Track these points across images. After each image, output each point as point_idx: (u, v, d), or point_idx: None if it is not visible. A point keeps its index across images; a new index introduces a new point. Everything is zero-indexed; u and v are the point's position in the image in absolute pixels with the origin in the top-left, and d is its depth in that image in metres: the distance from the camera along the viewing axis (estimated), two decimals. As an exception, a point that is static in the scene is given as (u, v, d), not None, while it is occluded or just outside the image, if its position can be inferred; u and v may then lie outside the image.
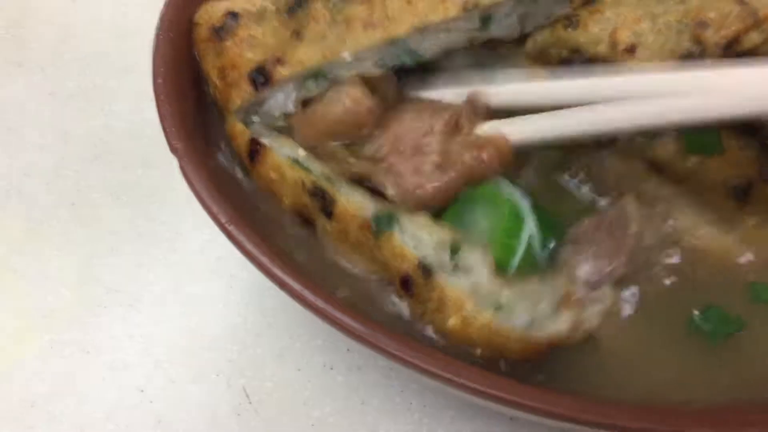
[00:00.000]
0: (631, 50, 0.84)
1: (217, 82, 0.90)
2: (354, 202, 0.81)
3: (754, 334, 0.82)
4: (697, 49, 0.81)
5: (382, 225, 0.78)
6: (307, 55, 0.87)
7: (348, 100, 0.87)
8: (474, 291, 0.75)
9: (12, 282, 1.04)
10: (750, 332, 0.82)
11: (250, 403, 0.94)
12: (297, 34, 0.89)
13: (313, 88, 0.90)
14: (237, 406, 0.94)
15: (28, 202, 1.11)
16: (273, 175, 0.85)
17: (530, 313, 0.74)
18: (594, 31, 0.87)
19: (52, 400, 0.94)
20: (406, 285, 0.76)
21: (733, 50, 0.81)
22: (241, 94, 0.87)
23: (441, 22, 0.88)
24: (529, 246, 0.84)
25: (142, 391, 0.95)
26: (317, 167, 0.85)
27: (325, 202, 0.81)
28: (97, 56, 1.29)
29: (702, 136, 0.83)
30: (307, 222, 0.85)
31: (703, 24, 0.81)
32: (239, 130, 0.87)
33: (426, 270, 0.75)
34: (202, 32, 0.91)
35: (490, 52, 0.94)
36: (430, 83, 0.92)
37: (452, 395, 0.94)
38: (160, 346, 0.99)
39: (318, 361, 0.97)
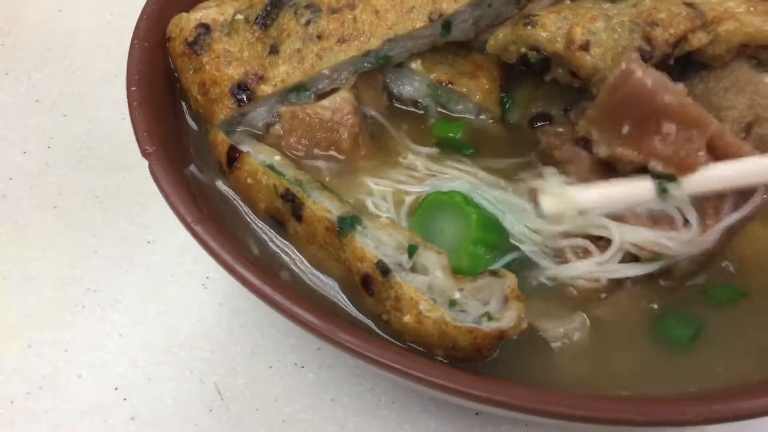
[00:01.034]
0: (585, 47, 0.87)
1: (199, 97, 0.94)
2: (320, 206, 0.85)
3: (712, 335, 0.85)
4: (648, 47, 0.85)
5: (345, 227, 0.83)
6: (287, 72, 0.93)
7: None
8: (429, 289, 0.79)
9: (-5, 283, 1.07)
10: (708, 333, 0.85)
11: (222, 399, 0.97)
12: (273, 49, 0.94)
13: (294, 100, 0.96)
14: (209, 403, 0.97)
15: (11, 205, 1.14)
16: (249, 180, 0.90)
17: (481, 309, 0.78)
18: (552, 29, 0.91)
19: (31, 398, 0.97)
20: (366, 283, 0.80)
21: (681, 48, 0.85)
22: (224, 110, 0.93)
23: (409, 33, 0.93)
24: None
25: (117, 389, 0.98)
26: (291, 172, 0.90)
27: (295, 206, 0.86)
28: (82, 64, 1.32)
29: None
30: (280, 225, 0.89)
31: (653, 23, 0.85)
32: (220, 140, 0.92)
33: (384, 269, 0.79)
34: (177, 47, 0.95)
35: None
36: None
37: (419, 392, 0.97)
38: (137, 345, 1.01)
39: (289, 360, 1.00)
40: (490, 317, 0.77)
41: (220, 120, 0.93)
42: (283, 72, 0.93)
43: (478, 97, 0.99)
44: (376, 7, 0.93)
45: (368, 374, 0.99)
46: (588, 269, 0.85)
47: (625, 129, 0.84)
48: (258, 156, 0.92)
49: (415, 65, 1.00)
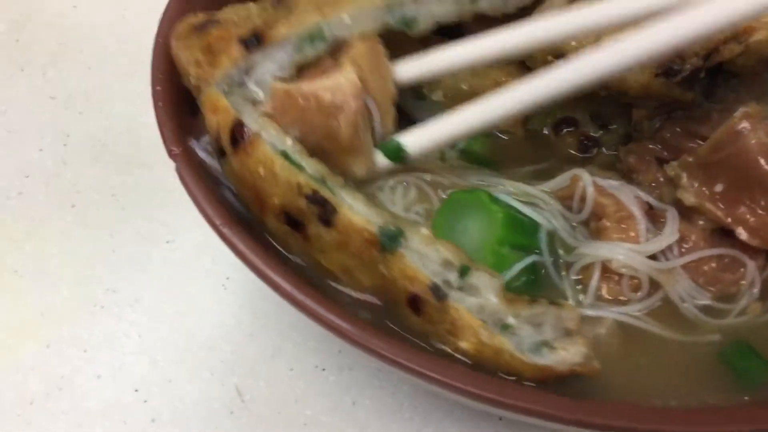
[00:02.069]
0: None
1: (201, 57, 0.82)
2: (360, 215, 0.76)
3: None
4: (678, 60, 0.84)
5: (390, 241, 0.75)
6: (303, 17, 0.82)
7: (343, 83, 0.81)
8: (480, 310, 0.75)
9: (12, 281, 1.06)
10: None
11: (243, 401, 0.96)
12: (287, 9, 0.85)
13: (310, 51, 0.84)
14: (229, 404, 0.96)
15: (28, 202, 1.13)
16: (261, 170, 0.77)
17: (533, 334, 0.74)
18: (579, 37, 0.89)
19: (49, 398, 0.96)
20: (414, 304, 0.75)
21: (712, 60, 0.84)
22: (230, 58, 0.80)
23: None
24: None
25: (137, 390, 0.97)
26: (311, 165, 0.79)
27: (325, 210, 0.76)
28: (98, 59, 1.31)
29: None
30: (295, 225, 0.79)
31: None
32: (222, 106, 0.79)
33: (439, 293, 0.74)
34: (180, 31, 0.86)
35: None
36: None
37: (443, 396, 0.96)
38: (156, 345, 1.01)
39: (310, 362, 0.99)
40: (549, 346, 0.73)
41: (223, 70, 0.80)
42: (298, 18, 0.83)
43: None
44: None
45: (390, 377, 0.98)
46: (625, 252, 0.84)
47: (719, 187, 0.84)
48: (269, 139, 0.78)
49: (437, 96, 0.97)
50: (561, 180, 0.92)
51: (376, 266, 0.77)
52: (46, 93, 1.26)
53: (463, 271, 0.76)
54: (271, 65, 0.82)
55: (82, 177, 1.17)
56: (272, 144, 0.77)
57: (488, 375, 0.72)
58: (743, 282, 0.87)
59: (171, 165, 0.82)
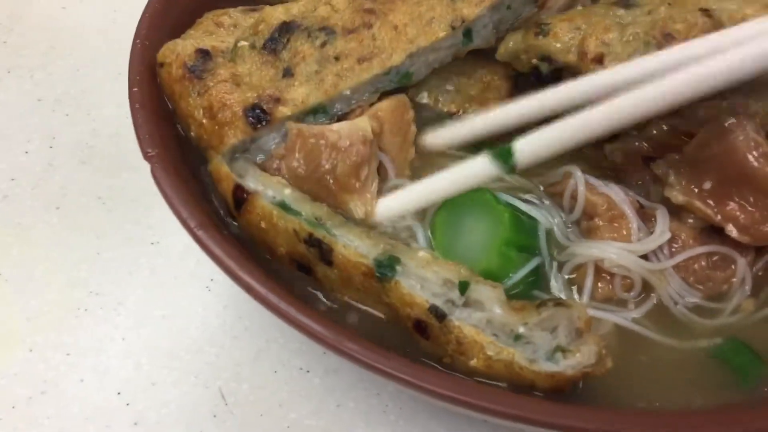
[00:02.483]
0: (599, 60, 0.85)
1: (204, 121, 0.88)
2: (352, 250, 0.78)
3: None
4: None
5: (385, 271, 0.77)
6: (306, 94, 0.88)
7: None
8: (488, 324, 0.74)
9: (-3, 284, 1.05)
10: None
11: (227, 404, 0.95)
12: (287, 72, 0.90)
13: (311, 121, 0.91)
14: (213, 408, 0.95)
15: (14, 205, 1.13)
16: (263, 224, 0.83)
17: (550, 340, 0.73)
18: (564, 39, 0.88)
19: (33, 402, 0.96)
20: (420, 329, 0.75)
21: None
22: (236, 134, 0.86)
23: (431, 45, 0.90)
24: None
25: (120, 393, 0.96)
26: (307, 208, 0.83)
27: (322, 251, 0.79)
28: (86, 63, 1.31)
29: None
30: (306, 270, 0.83)
31: (669, 36, 0.82)
32: (224, 173, 0.85)
33: (439, 314, 0.74)
34: (174, 71, 0.89)
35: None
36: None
37: (431, 403, 0.95)
38: (140, 348, 1.00)
39: (294, 364, 0.98)
40: (563, 350, 0.72)
41: (231, 145, 0.87)
42: (303, 93, 0.88)
43: None
44: (395, 22, 0.90)
45: (375, 379, 0.97)
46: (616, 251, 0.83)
47: (708, 185, 0.84)
48: (267, 193, 0.84)
49: (423, 98, 0.97)
50: (552, 176, 0.91)
51: (380, 297, 0.78)
52: (33, 95, 1.26)
53: (463, 288, 0.76)
54: (275, 136, 0.90)
55: (68, 180, 1.16)
56: (271, 196, 0.83)
57: (463, 378, 0.71)
58: (734, 279, 0.85)
59: (157, 168, 0.82)
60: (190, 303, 1.04)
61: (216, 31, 0.95)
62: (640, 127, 0.91)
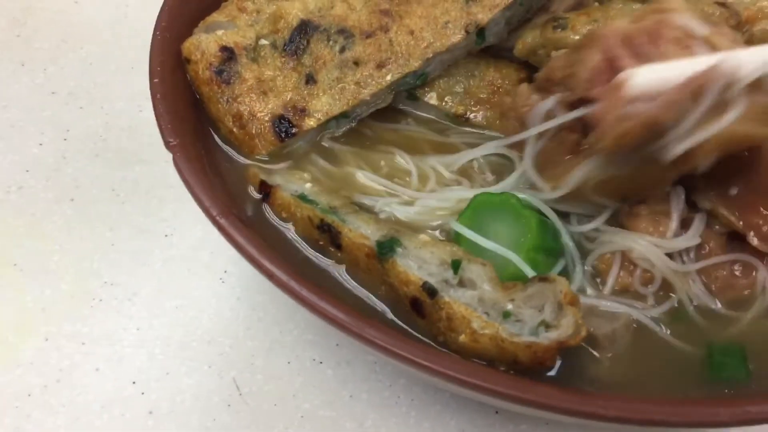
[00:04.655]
0: None
1: (235, 130, 0.92)
2: (357, 233, 0.83)
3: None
4: None
5: (384, 251, 0.80)
6: (330, 104, 0.92)
7: None
8: (480, 302, 0.77)
9: (12, 275, 1.06)
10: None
11: (241, 394, 0.96)
12: (309, 78, 0.93)
13: (333, 128, 0.96)
14: (227, 398, 0.96)
15: (28, 197, 1.14)
16: (284, 213, 0.88)
17: (537, 316, 0.75)
18: (582, 31, 0.89)
19: (48, 391, 0.97)
20: (416, 306, 0.78)
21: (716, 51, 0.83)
22: (266, 145, 0.92)
23: (447, 49, 0.92)
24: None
25: (134, 382, 0.97)
26: (323, 199, 0.88)
27: (332, 235, 0.84)
28: (98, 56, 1.32)
29: None
30: (324, 251, 0.87)
31: None
32: (252, 173, 0.91)
33: (430, 290, 0.77)
34: (202, 72, 0.92)
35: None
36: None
37: (440, 389, 0.97)
38: (154, 338, 1.01)
39: (307, 356, 0.99)
40: (547, 325, 0.74)
41: (261, 154, 0.92)
42: (326, 103, 0.92)
43: (496, 128, 0.98)
44: (411, 26, 0.92)
45: (387, 371, 0.98)
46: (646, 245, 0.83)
47: (734, 191, 0.83)
48: (289, 186, 0.90)
49: (431, 99, 0.99)
50: None
51: (384, 278, 0.81)
52: (47, 89, 1.27)
53: (455, 266, 0.79)
54: (300, 145, 0.95)
55: (82, 172, 1.17)
56: (294, 190, 0.89)
57: (475, 363, 0.73)
58: (756, 286, 0.85)
59: (171, 161, 0.82)
60: (204, 294, 1.05)
61: (238, 17, 0.96)
62: None
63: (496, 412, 0.96)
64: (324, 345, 1.00)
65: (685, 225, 0.87)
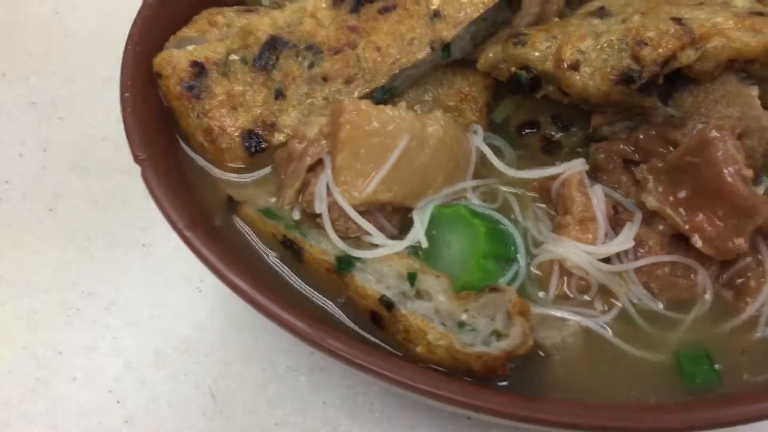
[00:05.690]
0: (574, 67, 0.87)
1: (206, 144, 0.94)
2: (318, 248, 0.85)
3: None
4: (637, 66, 0.85)
5: (344, 266, 0.83)
6: (298, 119, 0.93)
7: None
8: (436, 313, 0.79)
9: (-10, 286, 1.07)
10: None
11: (216, 402, 0.98)
12: (278, 93, 0.94)
13: None
14: (203, 406, 0.97)
15: (7, 207, 1.15)
16: (249, 228, 0.90)
17: (490, 325, 0.77)
18: (541, 48, 0.90)
19: (26, 400, 0.98)
20: (375, 320, 0.80)
21: (670, 66, 0.85)
22: (234, 160, 0.93)
23: (412, 65, 0.94)
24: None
25: (111, 391, 0.98)
26: (288, 214, 0.89)
27: (294, 251, 0.86)
28: (79, 67, 1.33)
29: None
30: (290, 266, 0.88)
31: (642, 42, 0.85)
32: (220, 188, 0.93)
33: (388, 303, 0.79)
34: (173, 87, 0.93)
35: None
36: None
37: (413, 399, 0.98)
38: (131, 347, 1.02)
39: (282, 363, 1.01)
40: (498, 334, 0.76)
41: (228, 169, 0.94)
42: (294, 118, 0.94)
43: None
44: (377, 43, 0.94)
45: (360, 378, 1.00)
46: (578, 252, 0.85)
47: (682, 194, 0.85)
48: (255, 201, 0.91)
49: (401, 108, 0.98)
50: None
51: (344, 291, 0.83)
52: (27, 99, 1.28)
53: (411, 278, 0.81)
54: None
55: (62, 183, 1.18)
56: (261, 205, 0.90)
57: (430, 371, 0.75)
58: (695, 289, 0.87)
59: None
60: (181, 304, 1.06)
61: (209, 31, 0.98)
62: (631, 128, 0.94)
63: (468, 418, 0.97)
64: (298, 352, 1.01)
65: (618, 226, 0.88)
